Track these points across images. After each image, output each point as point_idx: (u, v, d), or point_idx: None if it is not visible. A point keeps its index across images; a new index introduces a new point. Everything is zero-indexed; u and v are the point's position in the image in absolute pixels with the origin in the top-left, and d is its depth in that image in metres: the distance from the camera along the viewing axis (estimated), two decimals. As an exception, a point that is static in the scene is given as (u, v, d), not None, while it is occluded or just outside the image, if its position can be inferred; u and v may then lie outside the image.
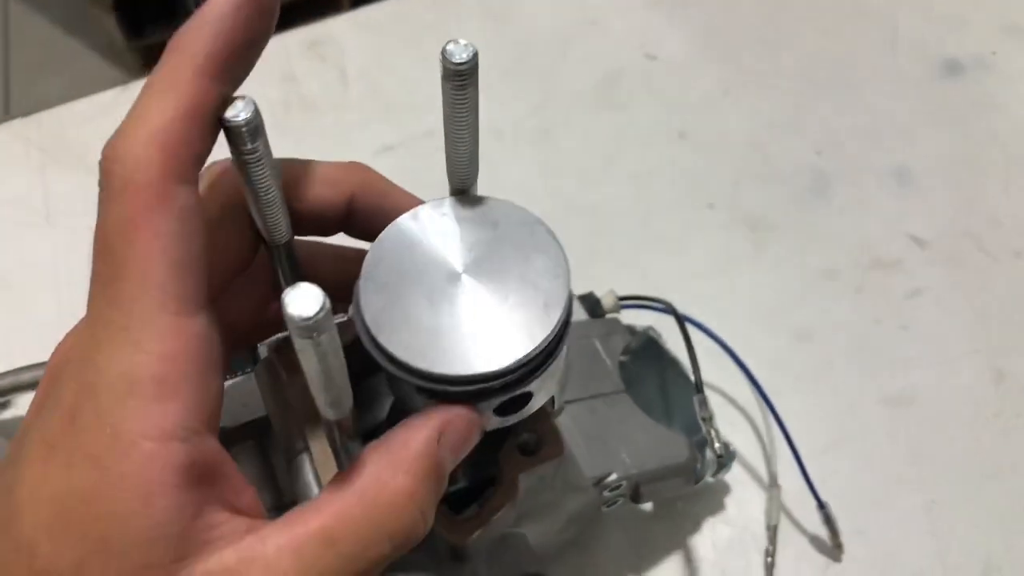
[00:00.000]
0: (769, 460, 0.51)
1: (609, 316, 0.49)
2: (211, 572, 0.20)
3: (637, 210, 0.62)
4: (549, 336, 0.26)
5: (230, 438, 0.37)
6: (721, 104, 0.67)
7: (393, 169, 0.30)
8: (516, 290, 0.27)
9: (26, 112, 0.71)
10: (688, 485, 0.45)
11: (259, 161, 0.24)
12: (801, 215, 0.61)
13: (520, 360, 0.26)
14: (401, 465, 0.24)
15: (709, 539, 0.50)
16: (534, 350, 0.26)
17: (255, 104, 0.24)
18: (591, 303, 0.49)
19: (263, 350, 0.35)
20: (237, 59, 0.23)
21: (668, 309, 0.46)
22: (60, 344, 0.26)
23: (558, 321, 0.26)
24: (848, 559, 0.48)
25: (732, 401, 0.53)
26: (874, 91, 0.67)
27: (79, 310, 0.36)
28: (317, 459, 0.32)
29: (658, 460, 0.43)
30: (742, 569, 0.48)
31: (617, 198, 0.62)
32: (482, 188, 0.30)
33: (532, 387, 0.28)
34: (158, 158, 0.21)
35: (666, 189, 0.63)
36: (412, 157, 0.65)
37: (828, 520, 0.47)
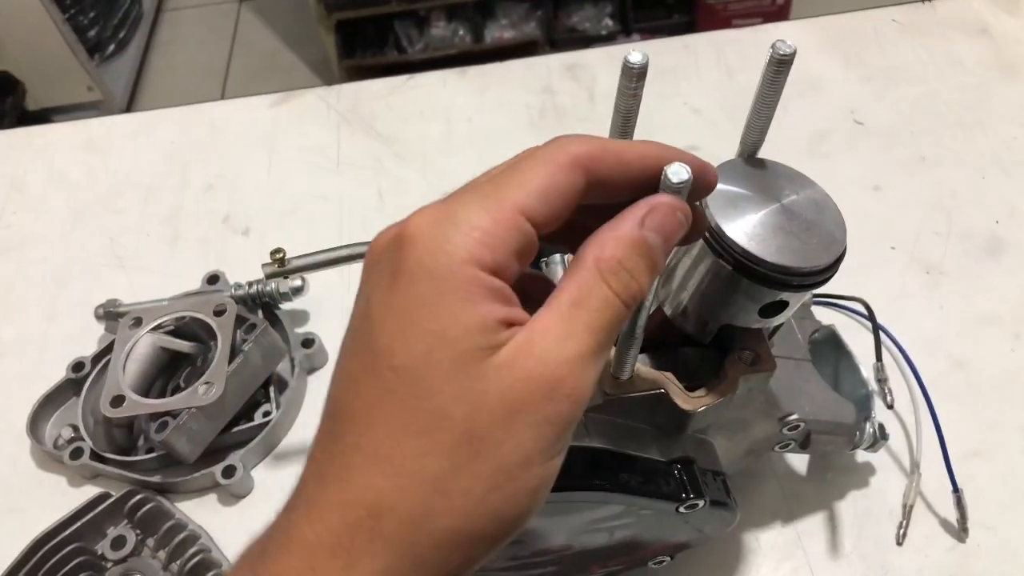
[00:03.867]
0: (914, 451, 0.60)
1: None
2: (517, 342, 0.27)
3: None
4: (830, 262, 0.38)
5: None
6: (915, 169, 0.77)
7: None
8: (815, 225, 0.38)
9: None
10: (847, 447, 0.56)
11: (635, 95, 0.37)
12: (973, 269, 0.70)
13: (814, 267, 0.37)
14: (609, 242, 0.29)
15: (851, 506, 0.59)
16: (820, 267, 0.38)
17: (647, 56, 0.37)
18: (789, 294, 0.61)
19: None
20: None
21: (863, 307, 0.57)
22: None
23: (839, 255, 0.38)
24: (972, 544, 0.57)
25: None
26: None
27: (356, 236, 0.49)
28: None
29: (831, 415, 0.53)
30: (875, 534, 0.58)
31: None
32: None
33: (792, 299, 0.40)
34: None
35: (854, 230, 0.73)
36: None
37: (960, 504, 0.56)
